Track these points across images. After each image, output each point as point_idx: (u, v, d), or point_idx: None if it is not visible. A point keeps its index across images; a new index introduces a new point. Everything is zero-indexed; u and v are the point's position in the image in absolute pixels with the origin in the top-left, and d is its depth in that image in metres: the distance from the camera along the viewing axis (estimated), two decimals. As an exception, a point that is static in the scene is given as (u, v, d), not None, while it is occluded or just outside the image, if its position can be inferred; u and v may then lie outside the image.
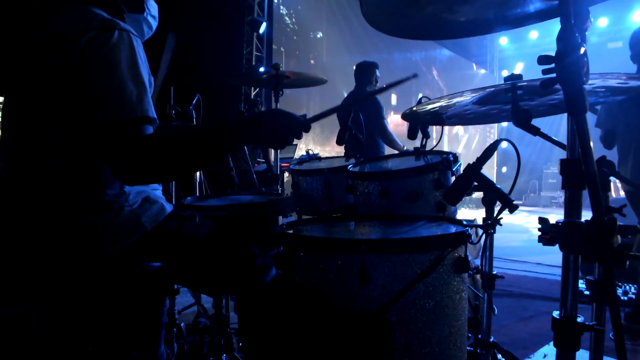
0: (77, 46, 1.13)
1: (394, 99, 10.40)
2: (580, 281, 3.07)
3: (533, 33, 12.66)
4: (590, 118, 0.89)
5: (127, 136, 1.09)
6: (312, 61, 9.05)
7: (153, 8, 1.45)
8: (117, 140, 1.09)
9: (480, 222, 1.56)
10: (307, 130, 1.19)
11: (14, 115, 1.25)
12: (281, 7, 8.54)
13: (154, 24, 1.47)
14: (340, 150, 2.24)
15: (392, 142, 3.94)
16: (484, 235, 1.51)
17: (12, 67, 1.27)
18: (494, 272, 1.70)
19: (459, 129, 13.52)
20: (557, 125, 9.84)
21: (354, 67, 4.24)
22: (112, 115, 1.09)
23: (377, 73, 4.08)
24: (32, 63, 1.21)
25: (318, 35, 9.36)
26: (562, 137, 1.08)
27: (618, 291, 3.23)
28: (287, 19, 8.68)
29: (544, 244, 0.98)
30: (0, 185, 1.24)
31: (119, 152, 1.09)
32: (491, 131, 14.48)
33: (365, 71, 4.09)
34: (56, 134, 1.17)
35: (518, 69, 13.41)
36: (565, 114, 0.95)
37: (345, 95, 4.61)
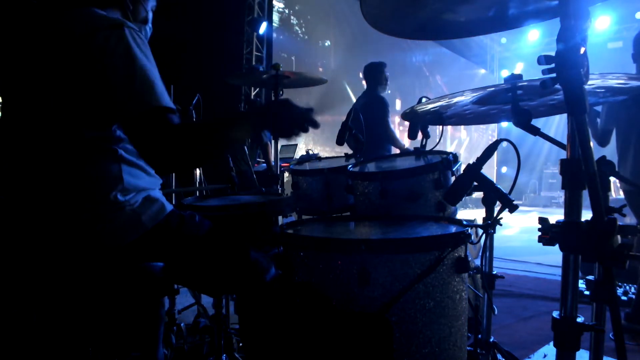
0: (92, 43, 1.13)
1: (398, 103, 10.45)
2: (580, 281, 3.07)
3: (533, 33, 12.65)
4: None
5: (163, 123, 1.12)
6: (320, 69, 9.18)
7: (150, 13, 1.45)
8: (154, 127, 1.11)
9: (480, 222, 1.56)
10: (315, 126, 1.23)
11: (14, 115, 1.24)
12: (292, 17, 8.68)
13: (149, 32, 1.48)
14: (340, 150, 2.23)
15: (393, 141, 3.98)
16: (484, 235, 1.51)
17: (10, 69, 1.27)
18: (494, 272, 1.70)
19: (461, 131, 13.53)
20: (550, 124, 9.92)
21: (362, 70, 4.36)
22: (144, 104, 1.11)
23: (386, 73, 4.17)
24: (37, 63, 1.20)
25: (326, 44, 9.55)
26: (557, 135, 1.09)
27: (618, 291, 3.23)
28: (297, 28, 8.86)
29: (544, 244, 0.98)
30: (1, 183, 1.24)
31: (156, 139, 1.11)
32: (492, 133, 14.48)
33: (374, 72, 4.19)
34: (60, 134, 1.17)
35: (518, 69, 13.41)
36: (560, 114, 0.95)
37: (354, 97, 4.78)
